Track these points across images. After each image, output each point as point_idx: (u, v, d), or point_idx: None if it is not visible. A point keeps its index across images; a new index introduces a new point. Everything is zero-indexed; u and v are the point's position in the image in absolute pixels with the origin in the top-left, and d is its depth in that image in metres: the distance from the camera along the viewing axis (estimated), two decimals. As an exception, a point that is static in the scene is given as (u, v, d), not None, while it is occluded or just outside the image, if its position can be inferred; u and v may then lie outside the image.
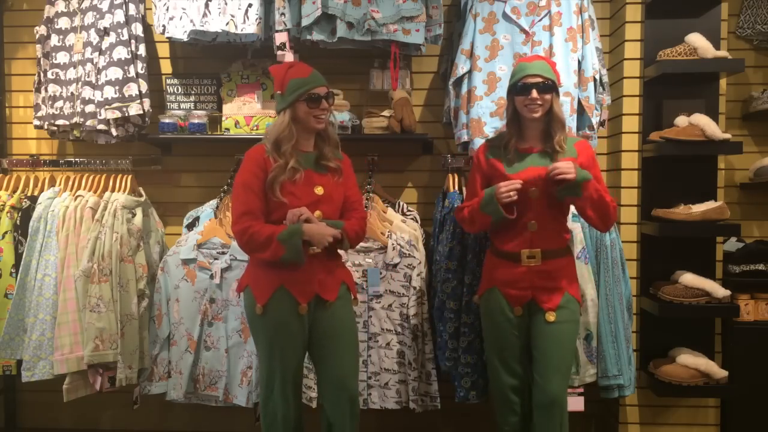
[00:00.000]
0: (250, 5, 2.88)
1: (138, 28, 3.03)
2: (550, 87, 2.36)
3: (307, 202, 2.30)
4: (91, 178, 3.12)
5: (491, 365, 2.54)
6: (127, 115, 2.96)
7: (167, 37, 3.01)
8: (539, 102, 2.35)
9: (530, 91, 2.34)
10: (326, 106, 2.34)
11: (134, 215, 3.01)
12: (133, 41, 3.01)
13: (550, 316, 2.39)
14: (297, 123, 2.33)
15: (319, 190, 2.34)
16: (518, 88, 2.38)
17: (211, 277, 2.93)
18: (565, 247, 2.49)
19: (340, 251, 2.50)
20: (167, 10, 2.95)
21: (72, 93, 3.09)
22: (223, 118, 3.13)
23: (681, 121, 2.89)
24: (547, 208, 2.39)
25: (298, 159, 2.32)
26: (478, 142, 2.87)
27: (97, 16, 3.02)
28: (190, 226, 3.11)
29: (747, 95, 3.32)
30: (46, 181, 3.19)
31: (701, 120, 2.84)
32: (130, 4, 3.02)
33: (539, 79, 2.35)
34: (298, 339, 2.37)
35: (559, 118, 2.39)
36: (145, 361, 2.97)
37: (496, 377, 2.53)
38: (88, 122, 3.02)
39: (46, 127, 3.17)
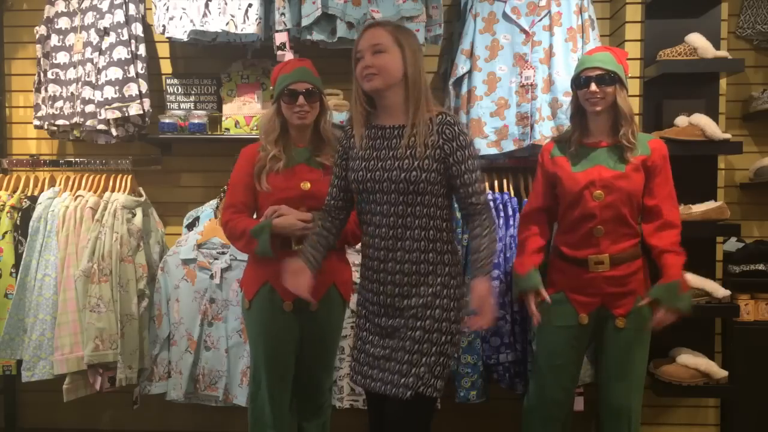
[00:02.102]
0: (250, 5, 2.88)
1: (138, 28, 3.03)
2: (612, 79, 2.25)
3: (291, 196, 2.29)
4: (91, 178, 3.12)
5: (539, 372, 2.44)
6: (127, 115, 2.96)
7: (167, 37, 3.01)
8: (599, 95, 2.25)
9: (589, 83, 2.25)
10: (303, 102, 2.26)
11: (134, 215, 3.01)
12: (133, 41, 3.00)
13: (620, 322, 2.30)
14: (282, 117, 2.33)
15: (305, 185, 2.30)
16: (578, 81, 2.30)
17: (211, 277, 2.93)
18: (636, 250, 2.33)
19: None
20: (167, 10, 2.95)
21: (72, 93, 3.09)
22: (223, 118, 3.13)
23: (681, 121, 2.89)
24: (614, 211, 2.27)
25: (284, 151, 2.31)
26: (478, 142, 2.87)
27: (97, 16, 3.02)
28: (190, 226, 3.11)
29: (747, 95, 3.32)
30: (46, 181, 3.19)
31: (701, 120, 2.84)
32: (130, 4, 3.01)
33: (599, 72, 2.25)
34: (283, 336, 2.35)
35: (624, 111, 2.26)
36: (145, 361, 2.97)
37: (540, 386, 2.43)
38: (88, 122, 3.01)
39: (46, 127, 3.17)
